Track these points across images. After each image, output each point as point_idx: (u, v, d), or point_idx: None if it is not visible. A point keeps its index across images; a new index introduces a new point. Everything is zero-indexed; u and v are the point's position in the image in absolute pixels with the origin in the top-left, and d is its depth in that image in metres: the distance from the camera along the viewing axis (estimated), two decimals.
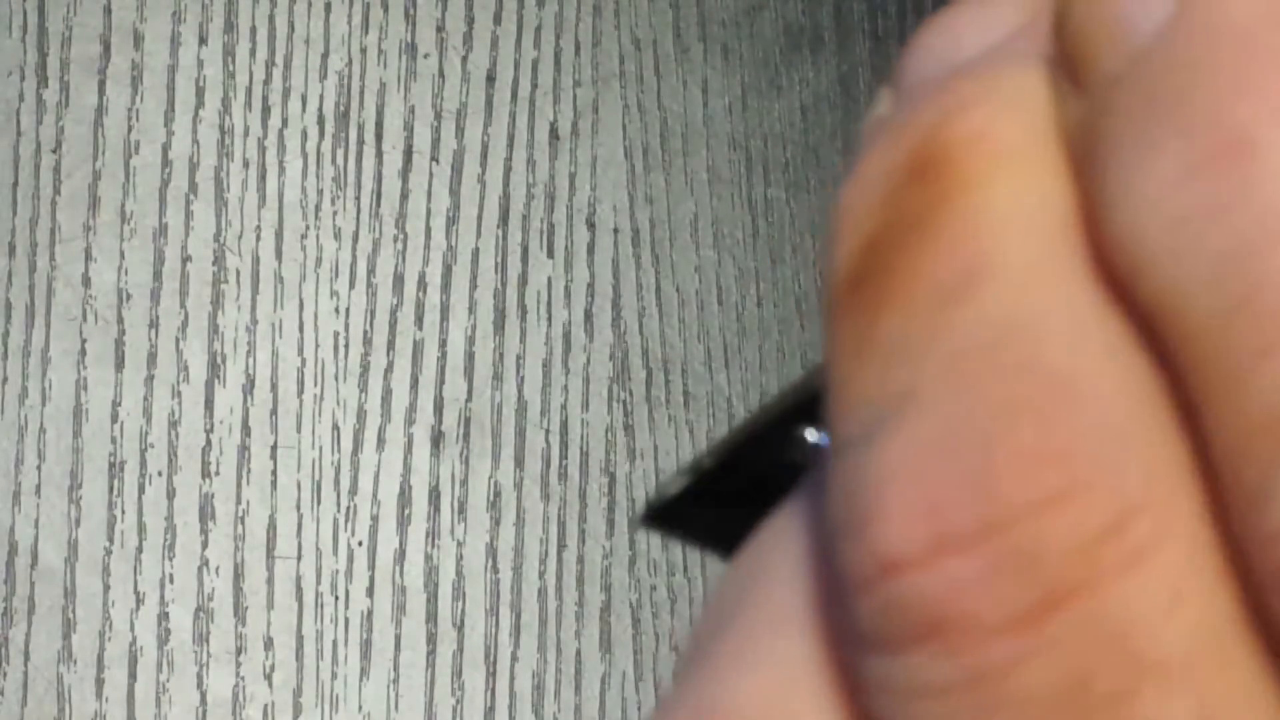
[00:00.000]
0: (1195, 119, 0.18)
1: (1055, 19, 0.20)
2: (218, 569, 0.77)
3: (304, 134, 0.81)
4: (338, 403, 0.79)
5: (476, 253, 0.81)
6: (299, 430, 0.79)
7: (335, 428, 0.79)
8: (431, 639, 0.78)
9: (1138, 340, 0.19)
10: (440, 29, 0.83)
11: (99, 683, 0.76)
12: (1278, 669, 0.18)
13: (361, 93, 0.82)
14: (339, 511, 0.78)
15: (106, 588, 0.77)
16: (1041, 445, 0.18)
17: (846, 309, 0.20)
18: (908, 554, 0.18)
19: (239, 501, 0.78)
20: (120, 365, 0.79)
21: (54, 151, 0.80)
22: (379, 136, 0.82)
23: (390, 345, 0.80)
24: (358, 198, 0.81)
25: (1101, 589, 0.18)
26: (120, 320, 0.79)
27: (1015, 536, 0.18)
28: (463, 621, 0.78)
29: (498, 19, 0.83)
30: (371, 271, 0.80)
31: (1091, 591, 0.18)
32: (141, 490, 0.78)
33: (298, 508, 0.78)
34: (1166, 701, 0.18)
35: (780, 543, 0.22)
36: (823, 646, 0.20)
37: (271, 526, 0.78)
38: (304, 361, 0.79)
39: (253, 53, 0.82)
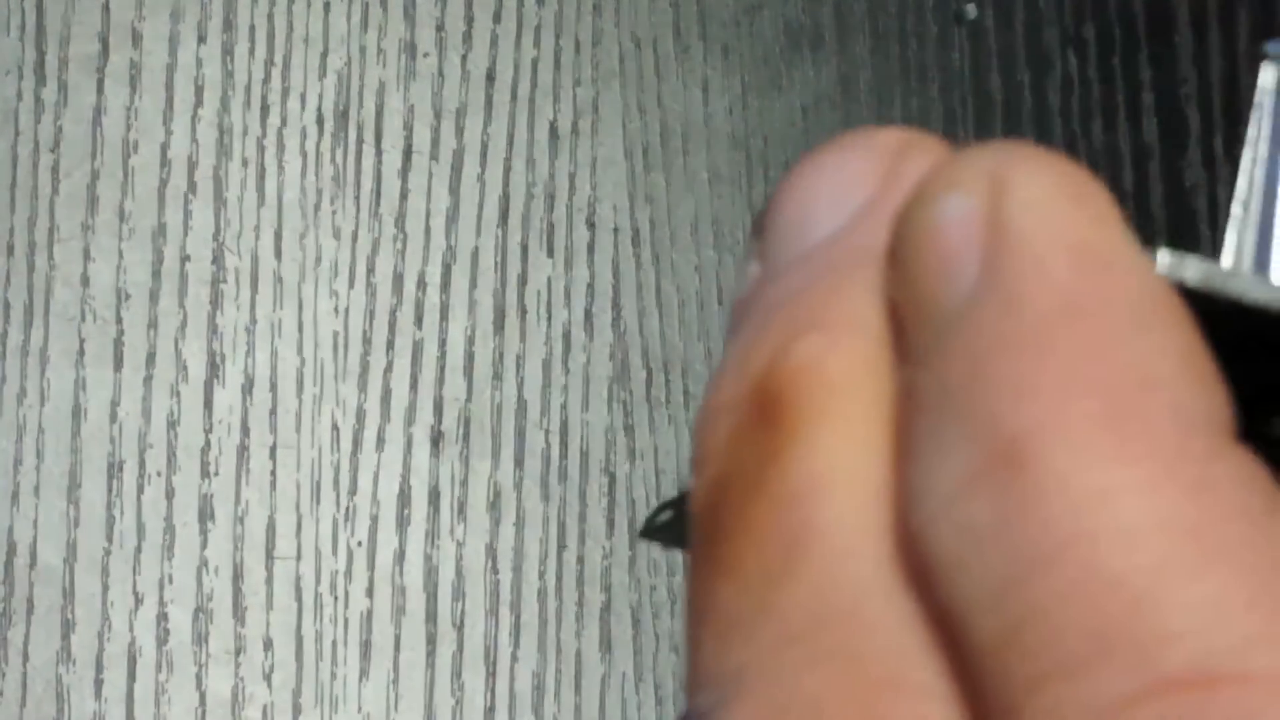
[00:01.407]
0: (974, 423, 0.18)
1: (889, 258, 0.19)
2: (217, 569, 0.77)
3: (303, 133, 0.81)
4: (337, 403, 0.79)
5: (476, 252, 0.81)
6: (298, 430, 0.79)
7: (335, 428, 0.79)
8: (431, 639, 0.78)
9: (938, 641, 0.18)
10: (440, 28, 0.83)
11: (98, 683, 0.76)
12: None
13: (361, 92, 0.82)
14: (338, 511, 0.78)
15: (105, 588, 0.77)
16: None
17: (697, 563, 0.19)
18: None
19: (238, 502, 0.78)
20: (119, 365, 0.78)
21: (52, 151, 0.80)
22: (378, 136, 0.81)
23: (390, 345, 0.80)
24: (357, 197, 0.81)
25: None
26: (119, 320, 0.79)
27: None
28: (462, 622, 0.78)
29: (497, 18, 0.83)
30: (371, 271, 0.80)
31: None
32: (140, 490, 0.78)
33: (297, 508, 0.78)
34: None
35: None
36: None
37: (271, 527, 0.78)
38: (303, 361, 0.79)
39: (252, 52, 0.82)
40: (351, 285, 0.80)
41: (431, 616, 0.78)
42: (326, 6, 0.82)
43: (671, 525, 0.24)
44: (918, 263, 0.19)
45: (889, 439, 0.19)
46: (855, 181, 0.20)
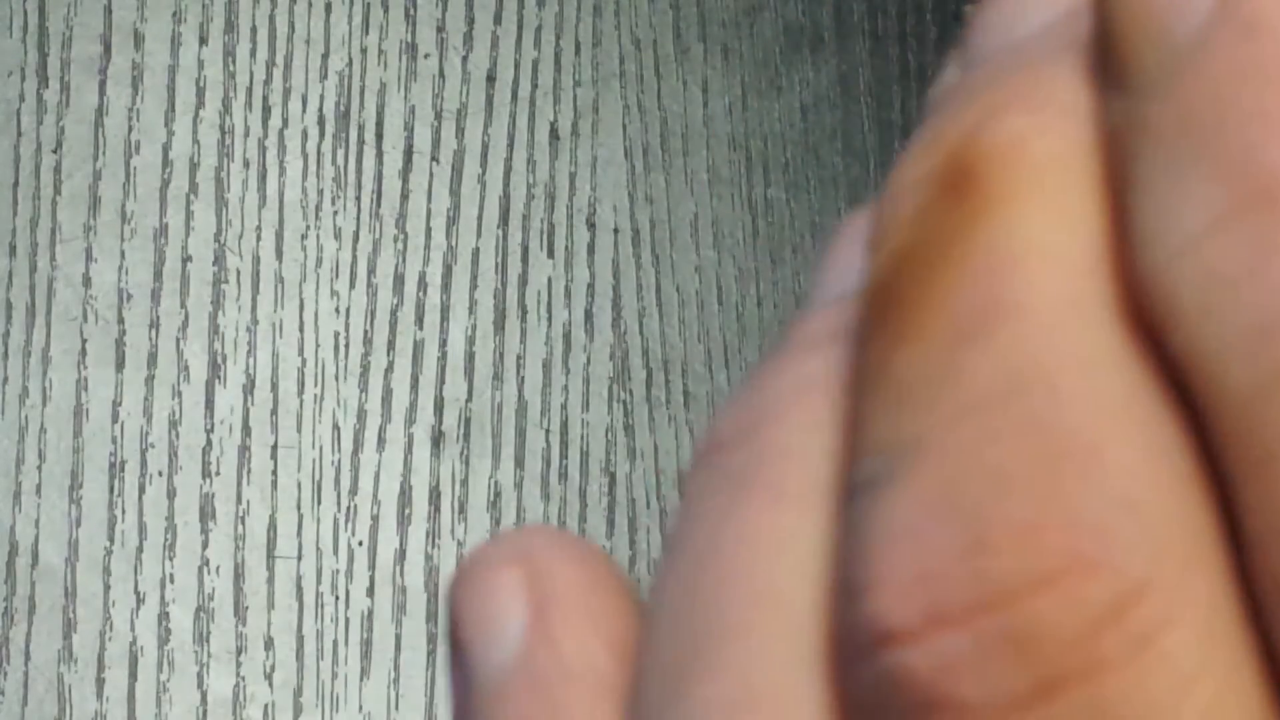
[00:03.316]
0: (1225, 158, 0.16)
1: (1094, 3, 0.18)
2: (218, 569, 0.77)
3: (304, 134, 0.81)
4: (338, 403, 0.79)
5: (477, 253, 0.81)
6: (299, 430, 0.79)
7: (335, 428, 0.79)
8: (432, 639, 0.78)
9: (1166, 396, 0.17)
10: (440, 29, 0.83)
11: (99, 682, 0.76)
12: None
13: (362, 93, 0.82)
14: (339, 511, 0.78)
15: (107, 588, 0.77)
16: (1040, 516, 0.16)
17: (872, 331, 0.18)
18: (898, 625, 0.17)
19: (239, 501, 0.78)
20: (121, 365, 0.79)
21: (55, 151, 0.80)
22: (379, 136, 0.82)
23: (390, 345, 0.80)
24: (358, 198, 0.81)
25: (1103, 675, 0.16)
26: (121, 320, 0.79)
27: (1008, 616, 0.16)
28: None
29: (498, 19, 0.83)
30: (372, 271, 0.81)
31: (1092, 678, 0.16)
32: (142, 490, 0.78)
33: (298, 508, 0.78)
34: None
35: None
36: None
37: (272, 526, 0.78)
38: (304, 361, 0.80)
39: (253, 53, 0.82)
40: (352, 286, 0.80)
41: (432, 616, 0.78)
42: (328, 8, 0.82)
43: None
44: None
45: (1101, 219, 0.17)
46: None
